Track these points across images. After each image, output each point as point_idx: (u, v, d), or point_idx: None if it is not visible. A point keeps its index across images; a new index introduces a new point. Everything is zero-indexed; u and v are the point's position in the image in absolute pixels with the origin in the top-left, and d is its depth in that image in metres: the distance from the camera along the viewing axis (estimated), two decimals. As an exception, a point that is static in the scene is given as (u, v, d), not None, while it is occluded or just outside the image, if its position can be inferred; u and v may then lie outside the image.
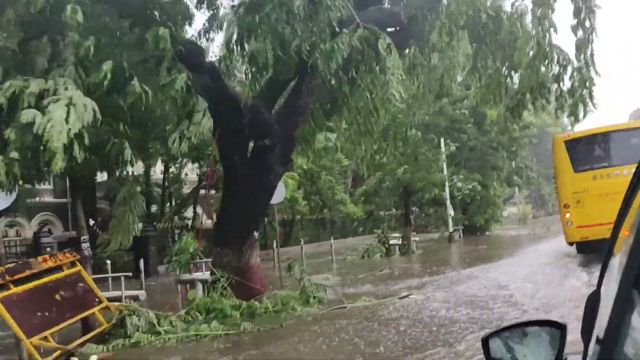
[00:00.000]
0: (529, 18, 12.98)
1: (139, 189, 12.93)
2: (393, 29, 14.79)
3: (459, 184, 35.61)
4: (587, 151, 16.79)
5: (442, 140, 33.68)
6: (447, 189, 34.43)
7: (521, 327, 1.90)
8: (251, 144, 13.91)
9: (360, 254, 26.61)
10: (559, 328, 1.73)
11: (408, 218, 27.06)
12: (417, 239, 28.52)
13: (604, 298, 1.45)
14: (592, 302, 1.57)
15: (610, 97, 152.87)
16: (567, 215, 16.15)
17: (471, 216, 38.55)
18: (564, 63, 13.18)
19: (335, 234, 42.34)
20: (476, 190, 35.96)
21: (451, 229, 34.31)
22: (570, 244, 17.04)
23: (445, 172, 34.49)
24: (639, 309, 1.18)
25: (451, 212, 34.56)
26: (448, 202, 34.45)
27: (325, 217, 38.08)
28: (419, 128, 26.27)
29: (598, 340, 1.38)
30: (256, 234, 14.07)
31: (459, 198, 35.72)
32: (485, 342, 1.80)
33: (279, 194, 16.21)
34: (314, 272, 22.77)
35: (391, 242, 26.60)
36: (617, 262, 1.38)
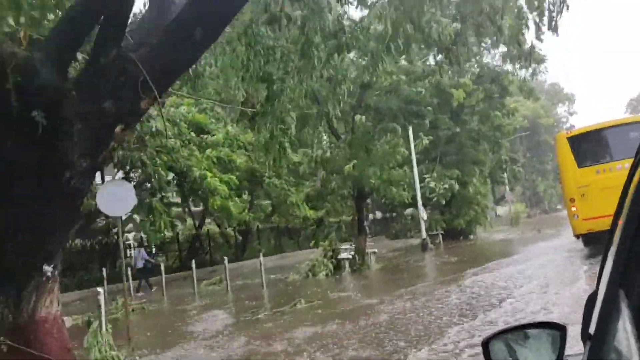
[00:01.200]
0: None
1: None
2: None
3: (432, 184, 30.43)
4: (590, 146, 17.20)
5: (410, 129, 28.69)
6: (417, 189, 29.34)
7: (522, 329, 1.89)
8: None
9: (306, 272, 21.46)
10: (560, 329, 1.73)
11: (362, 225, 21.86)
12: (375, 250, 23.34)
13: (600, 298, 1.42)
14: (591, 303, 1.53)
15: (606, 87, 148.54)
16: (573, 209, 16.74)
17: (450, 219, 33.39)
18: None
19: (302, 243, 37.23)
20: (453, 190, 30.78)
21: (424, 235, 29.20)
22: (577, 236, 17.24)
23: (415, 169, 29.45)
24: (625, 308, 1.18)
25: (423, 215, 29.46)
26: (419, 204, 29.33)
27: (292, 224, 32.93)
28: (368, 111, 21.23)
29: (590, 339, 1.41)
30: (48, 267, 8.83)
31: (434, 200, 30.58)
32: (485, 345, 1.78)
33: (122, 203, 11.07)
34: (231, 302, 17.82)
35: (341, 255, 21.46)
36: (609, 263, 1.42)
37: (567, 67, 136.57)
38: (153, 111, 25.07)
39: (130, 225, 24.55)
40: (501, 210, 66.50)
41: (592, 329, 1.40)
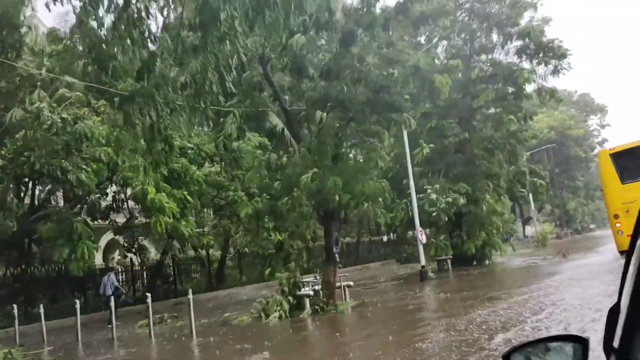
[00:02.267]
0: None
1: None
2: None
3: (433, 196, 25.50)
4: (633, 163, 17.05)
5: (405, 135, 24.01)
6: (414, 206, 24.55)
7: (543, 342, 1.85)
8: None
9: (259, 311, 16.83)
10: (582, 343, 1.69)
11: (330, 252, 17.11)
12: (350, 283, 18.56)
13: (623, 310, 1.42)
14: (613, 315, 1.52)
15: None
16: (617, 225, 16.79)
17: (460, 242, 28.32)
18: None
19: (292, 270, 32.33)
20: (457, 204, 25.81)
21: (423, 262, 24.29)
22: (621, 252, 16.78)
23: (411, 182, 24.71)
24: None
25: (422, 238, 24.55)
26: (417, 224, 24.47)
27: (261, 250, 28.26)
28: (335, 108, 16.70)
29: (614, 352, 1.40)
30: None
31: (435, 214, 25.63)
32: (506, 358, 1.74)
33: None
34: None
35: (302, 291, 16.77)
36: (631, 276, 1.38)
37: (598, 76, 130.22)
38: (84, 112, 21.03)
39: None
40: (530, 230, 61.00)
41: (616, 342, 1.39)
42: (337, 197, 15.59)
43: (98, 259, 31.42)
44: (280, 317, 15.96)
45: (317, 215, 17.32)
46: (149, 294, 16.18)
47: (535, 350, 1.80)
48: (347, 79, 15.68)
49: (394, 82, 14.62)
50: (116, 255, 30.35)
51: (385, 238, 49.74)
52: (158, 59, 9.02)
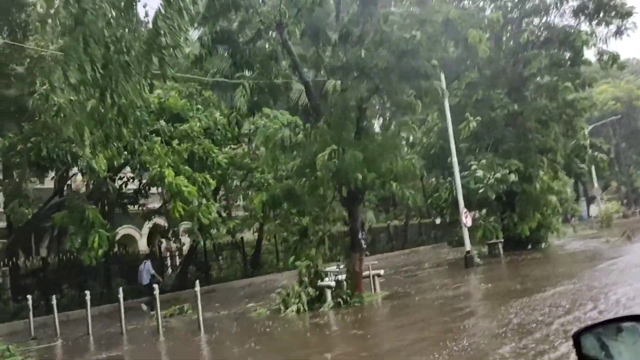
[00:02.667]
0: None
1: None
2: None
3: (479, 173, 23.17)
4: None
5: (446, 106, 21.90)
6: (458, 186, 22.41)
7: (615, 323, 1.79)
8: None
9: (278, 304, 15.34)
10: None
11: (355, 238, 15.35)
12: (380, 272, 16.75)
13: None
14: None
15: None
16: None
17: (512, 224, 25.89)
18: None
19: (334, 255, 30.76)
20: (507, 181, 23.35)
21: (468, 247, 22.20)
22: None
23: (454, 158, 22.56)
24: None
25: (466, 220, 22.42)
26: (461, 206, 22.34)
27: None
28: (358, 76, 14.83)
29: None
30: None
31: (481, 192, 23.27)
32: (576, 338, 1.71)
33: None
34: None
35: (324, 281, 15.11)
36: None
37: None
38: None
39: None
40: (595, 209, 57.18)
41: None
42: (359, 176, 13.80)
43: (142, 245, 30.88)
44: (298, 310, 14.39)
45: (340, 196, 15.55)
46: (155, 285, 14.91)
47: (606, 331, 1.72)
48: (370, 42, 13.76)
49: (416, 46, 12.59)
50: (164, 241, 29.59)
51: (438, 220, 47.44)
52: (90, 10, 7.44)
